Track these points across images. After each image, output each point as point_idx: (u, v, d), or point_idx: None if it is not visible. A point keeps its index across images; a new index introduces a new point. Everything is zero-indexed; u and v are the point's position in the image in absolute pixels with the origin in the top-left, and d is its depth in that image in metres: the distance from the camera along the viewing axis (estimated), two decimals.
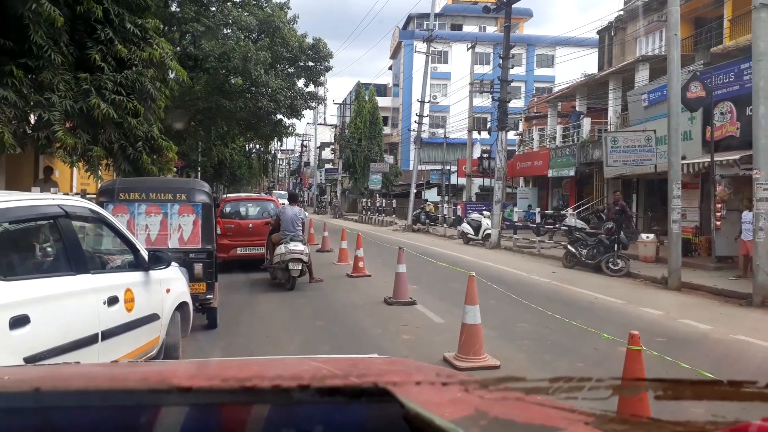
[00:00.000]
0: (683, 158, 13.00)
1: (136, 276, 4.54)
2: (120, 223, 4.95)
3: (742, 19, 17.04)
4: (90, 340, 3.73)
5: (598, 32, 27.44)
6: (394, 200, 38.57)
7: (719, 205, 13.62)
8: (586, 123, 24.27)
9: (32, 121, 8.79)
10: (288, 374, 1.04)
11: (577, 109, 26.41)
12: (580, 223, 18.31)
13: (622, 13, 25.48)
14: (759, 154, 9.77)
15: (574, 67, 30.78)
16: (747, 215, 11.46)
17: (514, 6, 20.41)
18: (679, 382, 0.80)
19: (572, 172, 24.08)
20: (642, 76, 21.07)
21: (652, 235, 15.44)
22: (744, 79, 14.58)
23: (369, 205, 36.80)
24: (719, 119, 14.65)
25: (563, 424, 0.83)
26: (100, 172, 9.66)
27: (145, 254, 4.68)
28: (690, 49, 19.91)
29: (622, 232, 13.56)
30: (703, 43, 20.17)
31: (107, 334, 3.91)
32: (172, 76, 10.71)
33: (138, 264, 4.61)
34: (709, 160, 13.70)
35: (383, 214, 34.16)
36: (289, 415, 0.96)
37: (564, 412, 0.87)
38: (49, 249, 4.27)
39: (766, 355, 6.52)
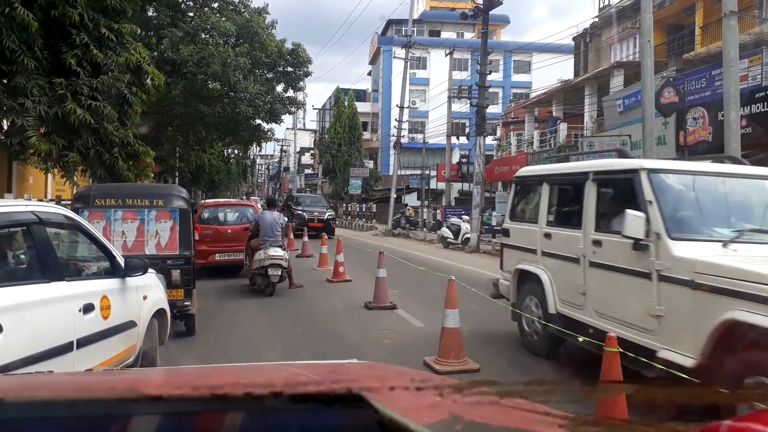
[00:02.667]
0: None
1: (112, 283, 4.48)
2: (96, 229, 4.88)
3: (713, 27, 17.44)
4: (65, 349, 3.67)
5: (574, 39, 27.86)
6: (374, 205, 38.58)
7: None
8: (563, 128, 24.58)
9: (5, 127, 8.63)
10: (261, 381, 1.03)
11: (553, 114, 26.74)
12: None
13: (597, 20, 25.89)
14: None
15: (550, 73, 31.17)
16: None
17: (491, 13, 20.61)
18: (651, 383, 0.82)
19: None
20: (617, 81, 21.42)
21: None
22: (715, 84, 14.90)
23: (349, 209, 36.78)
24: (692, 124, 14.94)
25: (538, 428, 0.84)
26: (75, 179, 9.51)
27: (121, 261, 4.62)
28: (663, 55, 20.30)
29: None
30: (675, 50, 20.59)
31: (83, 342, 3.85)
32: (149, 80, 10.59)
33: (114, 271, 4.55)
34: None
35: (363, 219, 34.14)
36: (264, 423, 0.95)
37: (538, 415, 0.88)
38: (22, 256, 4.19)
39: None
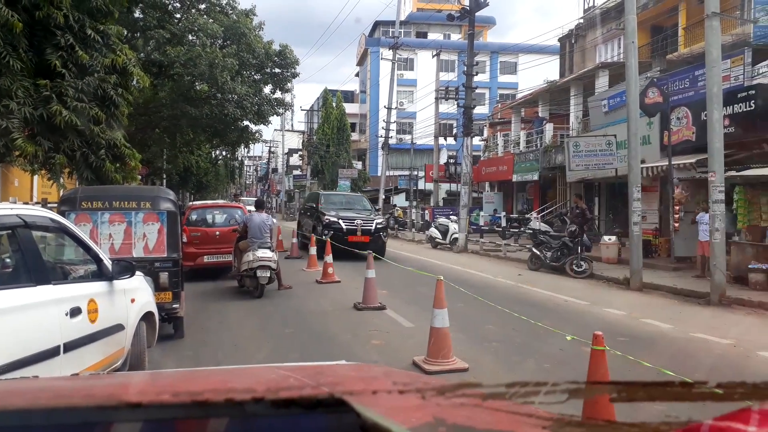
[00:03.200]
0: (642, 162, 13.35)
1: (99, 286, 4.45)
2: (83, 232, 4.85)
3: (696, 27, 17.63)
4: (52, 353, 3.65)
5: (559, 40, 28.02)
6: None
7: (677, 207, 14.03)
8: (549, 128, 24.72)
9: None
10: (242, 387, 1.03)
11: (539, 114, 26.89)
12: (544, 227, 18.63)
13: (582, 21, 26.06)
14: (713, 158, 10.10)
15: (536, 73, 31.36)
16: (703, 217, 11.83)
17: (477, 14, 20.69)
18: (633, 384, 0.83)
19: (536, 177, 24.48)
20: (602, 82, 21.59)
21: (613, 237, 15.81)
22: (698, 85, 15.09)
23: None
24: (676, 124, 15.10)
25: (522, 429, 0.85)
26: (62, 181, 9.42)
27: (108, 264, 4.59)
28: (647, 56, 20.50)
29: (585, 235, 13.84)
30: (659, 51, 20.79)
31: (70, 347, 3.83)
32: (135, 82, 10.51)
33: (101, 274, 4.53)
34: (667, 163, 14.10)
35: None
36: (247, 428, 0.95)
37: (521, 417, 0.89)
38: (7, 260, 4.16)
39: (723, 351, 6.75)
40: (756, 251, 11.29)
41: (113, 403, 1.02)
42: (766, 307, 9.28)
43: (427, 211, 29.78)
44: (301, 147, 60.11)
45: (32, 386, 1.57)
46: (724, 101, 10.79)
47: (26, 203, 10.97)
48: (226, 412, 0.94)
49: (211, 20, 18.78)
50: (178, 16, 19.21)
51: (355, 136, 50.39)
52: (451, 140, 34.04)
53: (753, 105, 12.91)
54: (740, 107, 13.20)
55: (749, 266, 10.96)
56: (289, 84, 22.02)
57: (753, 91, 13.14)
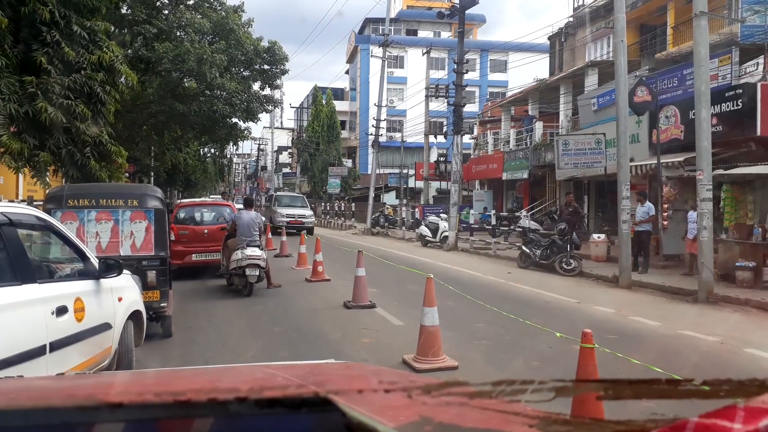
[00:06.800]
0: (631, 160, 13.42)
1: (86, 285, 4.41)
2: (69, 230, 4.80)
3: (684, 26, 17.76)
4: (37, 352, 3.61)
5: (549, 38, 28.12)
6: (353, 204, 38.53)
7: (666, 206, 14.12)
8: (539, 127, 24.82)
9: None
10: (226, 386, 1.02)
11: (529, 113, 26.98)
12: (533, 225, 18.71)
13: (571, 19, 26.17)
14: (701, 156, 10.18)
15: (526, 72, 31.50)
16: (692, 215, 11.91)
17: (467, 12, 20.70)
18: (619, 381, 0.83)
19: (526, 175, 24.57)
20: (591, 80, 21.70)
21: (603, 235, 15.89)
22: (687, 83, 15.18)
23: (328, 208, 36.73)
24: (664, 122, 15.19)
25: (508, 427, 0.84)
26: (47, 179, 9.32)
27: (95, 262, 4.55)
28: (636, 54, 20.62)
29: (574, 233, 13.91)
30: (648, 49, 20.92)
31: (56, 346, 3.79)
32: (123, 80, 10.41)
33: (88, 272, 4.49)
34: (656, 162, 14.19)
35: (342, 218, 34.11)
36: (232, 428, 0.94)
37: (509, 415, 0.88)
38: None
39: (710, 348, 6.80)
40: (743, 249, 11.40)
41: (94, 403, 1.00)
42: (753, 305, 9.37)
43: (417, 210, 29.81)
44: (290, 145, 59.97)
45: (13, 386, 1.54)
46: (711, 100, 10.86)
47: (12, 201, 10.85)
48: (210, 412, 0.92)
49: (199, 16, 18.64)
50: (166, 12, 19.05)
51: (345, 133, 50.32)
52: (441, 138, 34.07)
53: (740, 104, 13.02)
54: (728, 106, 13.30)
55: (736, 264, 11.05)
56: (278, 81, 21.89)
57: (740, 90, 13.25)
